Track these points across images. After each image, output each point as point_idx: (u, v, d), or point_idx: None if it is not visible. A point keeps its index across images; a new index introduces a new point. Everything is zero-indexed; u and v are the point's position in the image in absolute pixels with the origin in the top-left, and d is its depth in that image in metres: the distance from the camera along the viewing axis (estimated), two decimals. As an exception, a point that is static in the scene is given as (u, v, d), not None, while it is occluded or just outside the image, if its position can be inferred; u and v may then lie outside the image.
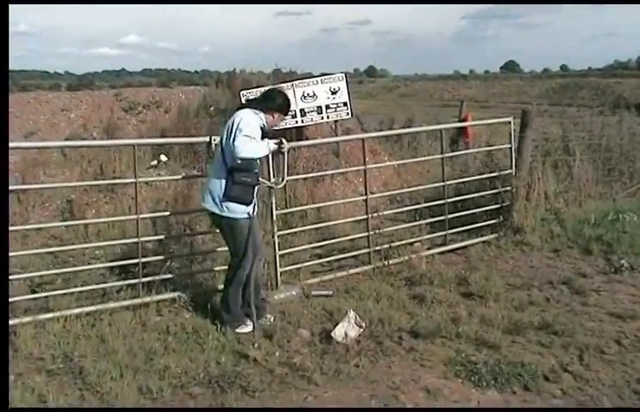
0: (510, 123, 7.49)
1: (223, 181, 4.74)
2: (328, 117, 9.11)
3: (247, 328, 4.88)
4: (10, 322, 4.68)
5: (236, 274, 4.92)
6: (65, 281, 5.65)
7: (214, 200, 4.79)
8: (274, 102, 5.01)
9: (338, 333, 4.68)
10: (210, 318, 5.04)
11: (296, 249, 6.16)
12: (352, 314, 4.81)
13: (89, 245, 6.58)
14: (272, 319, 5.01)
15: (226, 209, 4.77)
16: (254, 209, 4.90)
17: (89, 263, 6.07)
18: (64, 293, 5.19)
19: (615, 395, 3.92)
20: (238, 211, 4.79)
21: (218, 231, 5.13)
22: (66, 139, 12.70)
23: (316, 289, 5.73)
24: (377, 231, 6.49)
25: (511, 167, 7.38)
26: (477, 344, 4.59)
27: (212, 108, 12.12)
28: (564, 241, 7.08)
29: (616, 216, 7.53)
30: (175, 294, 5.38)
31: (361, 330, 4.75)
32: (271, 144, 4.89)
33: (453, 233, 7.10)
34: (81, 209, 8.21)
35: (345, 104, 9.26)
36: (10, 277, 5.04)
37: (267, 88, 5.90)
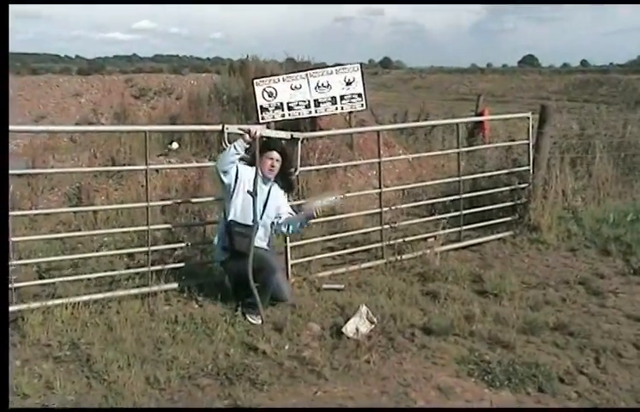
0: (528, 118, 7.44)
1: None
2: (342, 108, 9.10)
3: (256, 319, 4.89)
4: (18, 307, 4.72)
5: None
6: (73, 267, 5.68)
7: None
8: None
9: (349, 328, 4.67)
10: (219, 308, 5.05)
11: (307, 241, 6.16)
12: (364, 309, 4.80)
13: (98, 231, 6.60)
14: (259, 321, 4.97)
15: None
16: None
17: (98, 251, 6.09)
18: (73, 280, 5.22)
19: (632, 399, 3.88)
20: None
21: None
22: (76, 124, 12.80)
23: (327, 283, 5.73)
24: (390, 225, 6.47)
25: (529, 164, 7.33)
26: (491, 343, 4.56)
27: (224, 96, 12.15)
28: (582, 240, 7.03)
29: (636, 216, 7.45)
30: (184, 284, 5.39)
31: (373, 325, 4.74)
32: (239, 142, 5.01)
33: (468, 230, 7.06)
34: (90, 195, 8.27)
35: (360, 95, 9.25)
36: (18, 262, 5.09)
37: None
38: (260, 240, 5.16)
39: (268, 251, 5.24)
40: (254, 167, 5.07)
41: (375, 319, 4.80)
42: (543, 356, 4.37)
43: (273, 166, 5.20)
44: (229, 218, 5.11)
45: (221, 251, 5.20)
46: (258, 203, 5.04)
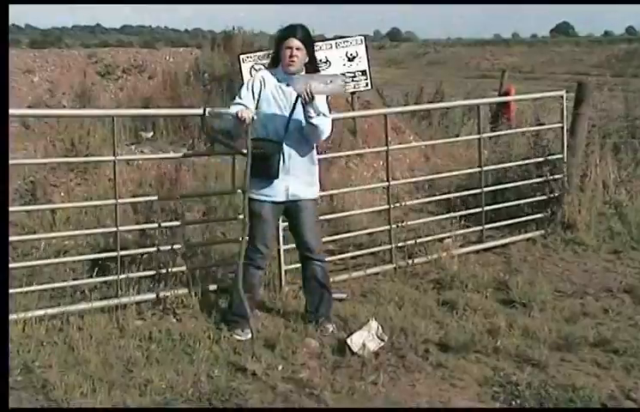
0: (562, 97, 7.45)
1: None
2: (343, 87, 9.08)
3: (244, 335, 4.90)
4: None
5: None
6: (26, 277, 5.66)
7: None
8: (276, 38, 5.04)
9: (355, 341, 4.68)
10: (201, 323, 5.05)
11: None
12: (374, 324, 4.82)
13: (57, 234, 6.60)
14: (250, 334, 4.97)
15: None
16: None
17: (56, 257, 6.09)
18: (25, 292, 5.20)
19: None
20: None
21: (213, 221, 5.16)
22: (29, 107, 12.74)
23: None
24: (400, 224, 6.49)
25: (563, 151, 7.34)
26: (518, 362, 4.58)
27: (206, 74, 12.15)
28: (627, 241, 7.05)
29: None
30: (159, 294, 5.39)
31: (382, 343, 4.75)
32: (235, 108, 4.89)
33: (491, 229, 7.08)
34: (47, 191, 8.23)
35: (363, 73, 9.25)
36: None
37: None
38: (299, 163, 4.96)
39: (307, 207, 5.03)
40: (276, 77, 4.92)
41: (386, 337, 4.81)
42: (581, 377, 4.38)
43: (293, 57, 4.84)
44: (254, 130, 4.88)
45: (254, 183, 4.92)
46: (283, 112, 4.86)
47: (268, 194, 4.90)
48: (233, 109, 4.87)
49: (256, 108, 4.89)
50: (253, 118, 4.81)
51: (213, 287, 5.60)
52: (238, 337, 4.88)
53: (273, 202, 4.94)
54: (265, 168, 4.82)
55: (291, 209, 5.02)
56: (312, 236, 5.09)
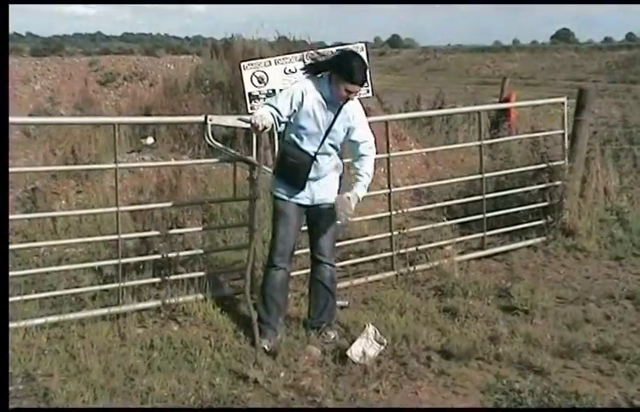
0: (563, 104, 7.45)
1: None
2: (344, 94, 9.09)
3: (269, 344, 4.89)
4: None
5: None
6: (28, 284, 5.66)
7: None
8: (339, 66, 4.84)
9: (355, 351, 4.68)
10: (203, 330, 5.05)
11: (304, 251, 6.16)
12: (371, 329, 4.81)
13: (58, 242, 6.59)
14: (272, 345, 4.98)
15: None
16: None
17: (57, 264, 6.09)
18: (26, 300, 5.20)
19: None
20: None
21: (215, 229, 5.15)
22: (30, 115, 12.76)
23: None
24: (401, 231, 6.48)
25: (564, 158, 7.34)
26: (521, 369, 4.58)
27: (207, 82, 12.14)
28: (628, 247, 7.06)
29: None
30: (161, 302, 5.39)
31: (382, 347, 4.75)
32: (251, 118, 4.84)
33: (492, 235, 7.08)
34: (48, 198, 8.23)
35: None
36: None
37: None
38: (328, 168, 4.97)
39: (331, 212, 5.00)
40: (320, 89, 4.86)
41: (385, 340, 4.81)
42: (584, 384, 4.38)
43: (349, 99, 4.84)
44: (287, 138, 4.94)
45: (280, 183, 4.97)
46: (320, 128, 4.83)
47: (293, 194, 4.91)
48: (263, 110, 4.81)
49: (291, 117, 4.85)
50: (266, 127, 4.77)
51: (214, 294, 5.59)
52: (263, 346, 4.87)
53: (298, 204, 4.95)
54: (294, 177, 4.86)
55: (314, 213, 5.02)
56: (328, 240, 5.09)
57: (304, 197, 4.92)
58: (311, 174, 4.86)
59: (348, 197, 4.77)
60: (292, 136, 4.87)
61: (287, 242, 5.00)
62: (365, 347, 4.72)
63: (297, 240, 5.21)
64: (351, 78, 4.74)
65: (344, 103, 4.82)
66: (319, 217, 5.00)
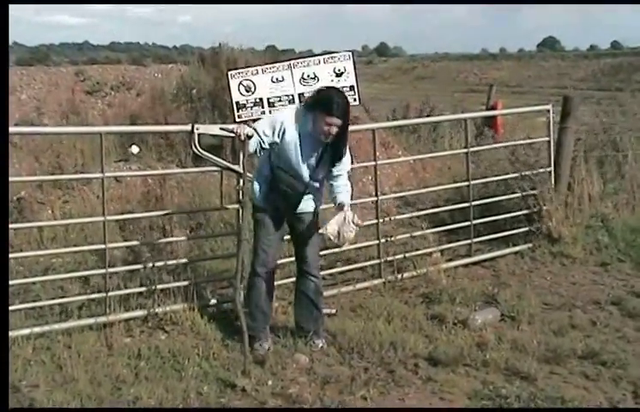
0: (548, 111, 7.50)
1: None
2: (331, 102, 9.12)
3: (259, 348, 4.94)
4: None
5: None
6: (13, 295, 5.63)
7: None
8: (319, 100, 4.89)
9: (330, 229, 4.69)
10: (190, 339, 5.05)
11: (291, 259, 6.16)
12: (350, 213, 4.80)
13: (44, 252, 6.57)
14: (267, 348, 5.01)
15: None
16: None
17: (44, 275, 6.07)
18: (12, 310, 5.16)
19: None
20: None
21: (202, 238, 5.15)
22: (15, 125, 12.70)
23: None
24: (388, 238, 6.51)
25: (549, 165, 7.39)
26: (508, 375, 4.60)
27: (194, 91, 12.16)
28: (614, 253, 7.09)
29: (677, 224, 7.52)
30: (148, 311, 5.38)
31: (357, 229, 4.78)
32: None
33: (479, 242, 7.12)
34: (34, 208, 8.20)
35: (352, 88, 9.20)
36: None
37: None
38: (308, 200, 5.02)
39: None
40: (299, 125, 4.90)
41: (361, 222, 4.83)
42: (570, 390, 4.41)
43: (330, 134, 4.79)
44: (276, 164, 4.93)
45: (262, 193, 5.01)
46: (305, 160, 4.87)
47: (272, 203, 4.94)
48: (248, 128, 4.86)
49: (274, 146, 4.88)
50: (249, 136, 4.79)
51: (202, 303, 5.59)
52: (257, 351, 4.89)
53: (278, 214, 4.98)
54: (288, 201, 4.92)
55: (293, 220, 5.05)
56: (311, 250, 5.12)
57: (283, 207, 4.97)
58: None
59: (345, 218, 4.79)
60: (280, 165, 4.90)
61: (268, 251, 5.03)
62: (340, 226, 4.72)
63: (279, 248, 5.25)
64: (329, 110, 4.74)
65: (326, 139, 4.81)
66: (300, 225, 5.04)
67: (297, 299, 5.21)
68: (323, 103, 4.79)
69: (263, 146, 4.86)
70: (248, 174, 5.09)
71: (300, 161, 4.85)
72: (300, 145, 4.84)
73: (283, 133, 4.83)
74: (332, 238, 4.70)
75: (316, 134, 4.81)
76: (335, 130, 4.79)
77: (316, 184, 4.99)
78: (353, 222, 4.77)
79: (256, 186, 4.99)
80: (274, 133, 4.84)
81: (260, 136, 4.82)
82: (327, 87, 5.18)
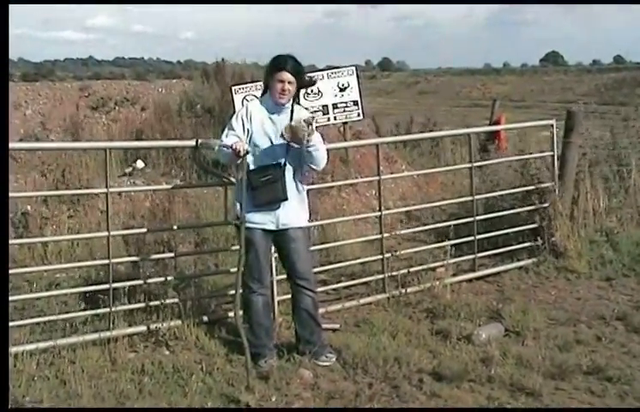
0: (552, 126, 7.50)
1: None
2: (335, 118, 9.16)
3: (265, 365, 4.93)
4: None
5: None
6: (18, 310, 5.64)
7: None
8: (268, 67, 5.00)
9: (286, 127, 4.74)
10: (194, 354, 5.04)
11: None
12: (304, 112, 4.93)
13: (49, 267, 6.59)
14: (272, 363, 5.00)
15: None
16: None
17: (48, 290, 6.08)
18: (16, 326, 5.16)
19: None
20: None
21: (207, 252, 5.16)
22: (20, 140, 12.75)
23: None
24: (392, 253, 6.49)
25: (553, 179, 7.38)
26: (512, 390, 4.57)
27: (197, 106, 12.21)
28: (619, 268, 7.06)
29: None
30: (152, 327, 5.37)
31: (311, 129, 4.73)
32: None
33: (483, 257, 7.09)
34: (39, 223, 8.22)
35: (355, 103, 9.31)
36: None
37: None
38: (291, 191, 4.97)
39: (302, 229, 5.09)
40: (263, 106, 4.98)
41: (314, 121, 4.80)
42: (575, 405, 4.38)
43: (284, 91, 4.87)
44: (251, 165, 4.92)
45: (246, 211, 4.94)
46: (275, 141, 4.89)
47: (258, 221, 4.92)
48: (229, 140, 4.86)
49: (248, 140, 4.92)
50: (247, 151, 4.82)
51: (205, 318, 5.59)
52: (261, 368, 4.88)
53: (263, 230, 4.96)
54: (273, 192, 4.87)
55: (281, 239, 5.03)
56: (303, 265, 5.10)
57: (268, 222, 4.94)
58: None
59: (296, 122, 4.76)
60: (257, 159, 4.92)
61: (259, 268, 5.02)
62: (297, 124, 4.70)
63: (269, 264, 5.30)
64: (278, 65, 4.86)
65: (282, 98, 4.88)
66: (289, 243, 5.02)
67: (296, 316, 5.19)
68: (272, 63, 4.93)
69: (248, 150, 4.86)
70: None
71: (273, 138, 4.89)
72: (271, 119, 4.92)
73: (251, 117, 4.93)
74: (285, 134, 4.68)
75: (275, 99, 4.90)
76: (288, 86, 4.87)
77: (294, 165, 4.96)
78: (305, 120, 4.72)
79: (237, 207, 4.97)
80: (244, 122, 4.94)
81: (237, 135, 4.88)
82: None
